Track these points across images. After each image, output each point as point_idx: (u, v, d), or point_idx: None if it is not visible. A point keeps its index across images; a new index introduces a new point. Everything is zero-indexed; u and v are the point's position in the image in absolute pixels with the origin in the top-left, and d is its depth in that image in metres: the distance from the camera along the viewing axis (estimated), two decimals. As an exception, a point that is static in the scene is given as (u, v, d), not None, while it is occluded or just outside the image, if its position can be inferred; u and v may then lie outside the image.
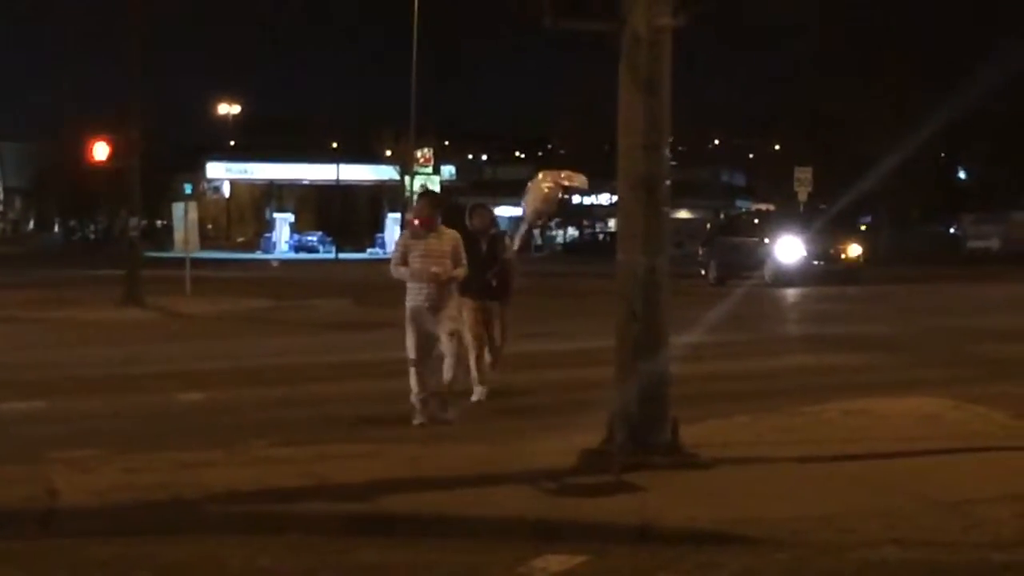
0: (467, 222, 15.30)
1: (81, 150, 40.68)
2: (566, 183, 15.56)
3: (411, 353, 13.52)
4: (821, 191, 55.63)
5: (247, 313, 29.92)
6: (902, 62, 65.03)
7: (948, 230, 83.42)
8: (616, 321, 10.78)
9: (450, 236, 13.74)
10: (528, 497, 9.51)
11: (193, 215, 36.10)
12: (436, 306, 13.44)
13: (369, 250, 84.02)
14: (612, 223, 55.61)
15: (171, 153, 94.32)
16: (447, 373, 13.53)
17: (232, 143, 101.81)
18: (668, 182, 10.91)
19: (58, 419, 14.18)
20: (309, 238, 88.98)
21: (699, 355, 17.95)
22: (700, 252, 46.60)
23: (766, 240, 42.11)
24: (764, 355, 20.26)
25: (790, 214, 47.69)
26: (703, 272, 44.06)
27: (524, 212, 15.61)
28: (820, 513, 8.95)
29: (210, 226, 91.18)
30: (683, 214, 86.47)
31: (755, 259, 41.92)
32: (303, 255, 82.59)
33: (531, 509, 9.19)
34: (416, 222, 14.06)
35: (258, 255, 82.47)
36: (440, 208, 14.16)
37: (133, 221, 33.64)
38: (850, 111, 66.27)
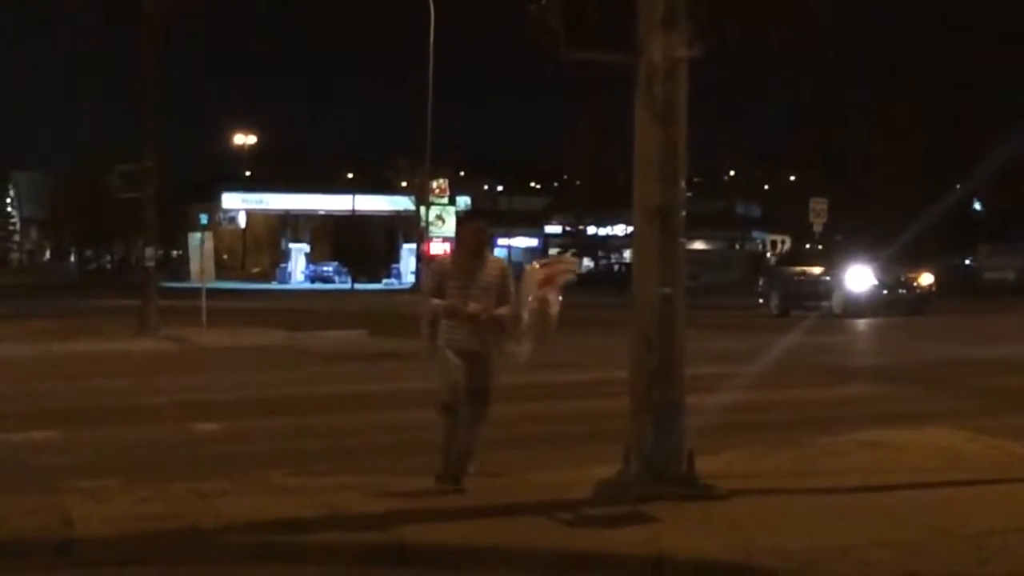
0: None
1: (97, 180, 40.86)
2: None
3: (445, 398, 10.94)
4: (837, 222, 55.61)
5: (262, 343, 29.93)
6: (913, 93, 65.16)
7: (964, 261, 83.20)
8: (631, 352, 10.78)
9: (497, 265, 11.24)
10: (544, 528, 9.50)
11: (209, 245, 36.11)
12: (477, 351, 10.93)
13: (385, 281, 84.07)
14: (627, 254, 55.52)
15: (187, 183, 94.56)
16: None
17: (248, 173, 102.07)
18: (684, 213, 10.92)
19: (73, 449, 14.20)
20: (324, 268, 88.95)
21: (720, 385, 17.94)
22: (760, 283, 46.43)
23: (831, 269, 42.08)
24: (785, 386, 20.20)
25: (857, 243, 47.51)
26: (761, 301, 44.01)
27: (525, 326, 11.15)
28: (835, 545, 8.92)
29: (226, 256, 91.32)
30: (698, 245, 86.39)
31: (820, 289, 41.87)
32: (319, 285, 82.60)
33: (547, 540, 9.17)
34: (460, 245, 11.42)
35: (274, 285, 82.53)
36: (489, 232, 11.56)
37: (149, 251, 33.69)
38: (863, 144, 66.38)
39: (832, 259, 43.23)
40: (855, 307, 39.82)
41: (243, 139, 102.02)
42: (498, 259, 11.40)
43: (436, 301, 10.98)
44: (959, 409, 16.80)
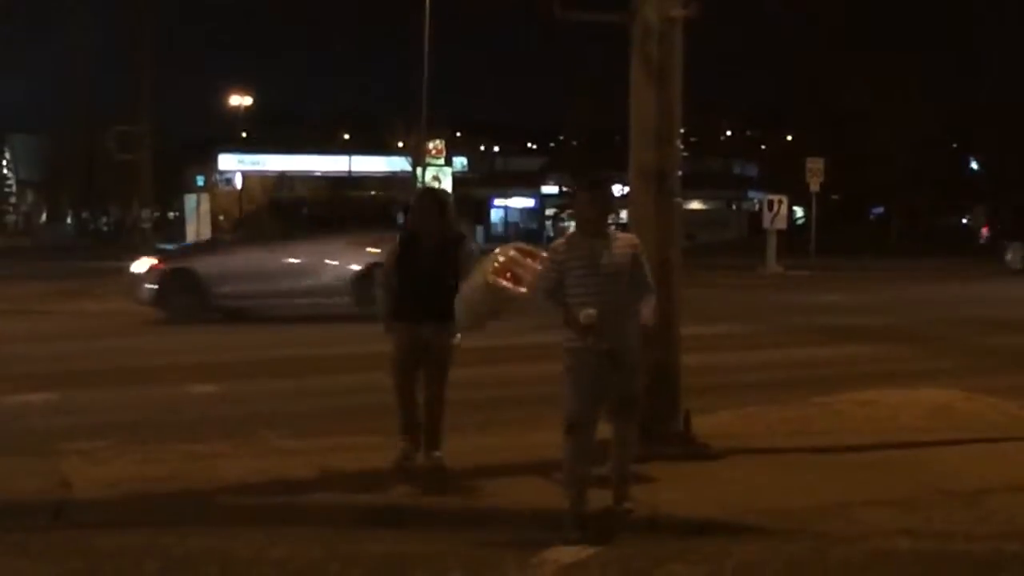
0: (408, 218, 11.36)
1: (92, 142, 40.82)
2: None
3: (573, 415, 8.73)
4: (834, 182, 55.54)
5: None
6: (910, 50, 65.00)
7: (960, 221, 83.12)
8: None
9: (627, 243, 8.88)
10: (539, 488, 9.52)
11: (205, 207, 36.13)
12: (617, 348, 8.69)
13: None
14: (623, 214, 55.44)
15: (183, 145, 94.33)
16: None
17: (244, 135, 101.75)
18: (679, 173, 10.91)
19: (70, 411, 14.18)
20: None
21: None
22: (984, 234, 44.64)
23: None
24: (782, 346, 20.24)
25: None
26: (1008, 256, 43.00)
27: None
28: (831, 503, 8.95)
29: (222, 217, 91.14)
30: (695, 205, 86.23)
31: None
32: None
33: (542, 500, 9.19)
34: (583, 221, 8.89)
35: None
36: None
37: (145, 213, 33.74)
38: (859, 102, 66.20)
39: None
40: None
41: (239, 100, 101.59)
42: (629, 236, 9.09)
43: (553, 302, 8.79)
44: (948, 368, 16.80)
